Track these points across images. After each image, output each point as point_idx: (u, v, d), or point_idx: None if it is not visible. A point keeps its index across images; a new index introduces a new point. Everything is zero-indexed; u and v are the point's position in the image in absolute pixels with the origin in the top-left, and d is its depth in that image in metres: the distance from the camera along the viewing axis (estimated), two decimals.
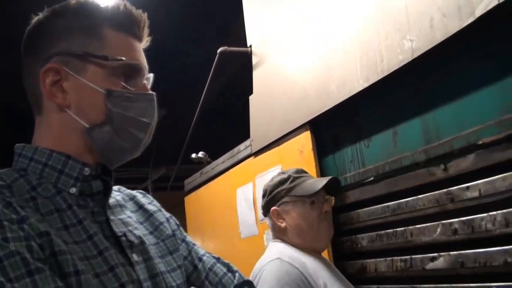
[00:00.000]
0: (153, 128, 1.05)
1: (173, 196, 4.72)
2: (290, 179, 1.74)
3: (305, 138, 2.42)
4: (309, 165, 2.36)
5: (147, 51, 1.08)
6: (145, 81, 1.04)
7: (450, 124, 1.74)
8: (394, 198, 1.96)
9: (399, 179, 1.94)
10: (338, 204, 2.28)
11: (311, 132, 2.40)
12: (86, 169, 0.97)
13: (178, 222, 1.21)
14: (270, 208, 1.76)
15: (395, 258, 1.95)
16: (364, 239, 2.13)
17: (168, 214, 1.21)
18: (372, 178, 2.07)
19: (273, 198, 1.76)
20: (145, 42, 1.07)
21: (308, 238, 1.76)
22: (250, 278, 1.55)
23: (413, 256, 1.86)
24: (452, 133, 1.73)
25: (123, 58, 0.98)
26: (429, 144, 1.80)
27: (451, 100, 1.74)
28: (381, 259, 2.03)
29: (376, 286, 2.07)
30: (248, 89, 3.09)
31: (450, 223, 1.70)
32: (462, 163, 1.68)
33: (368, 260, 2.11)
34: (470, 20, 1.58)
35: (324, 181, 1.75)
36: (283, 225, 1.71)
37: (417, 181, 1.85)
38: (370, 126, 2.13)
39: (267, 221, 1.77)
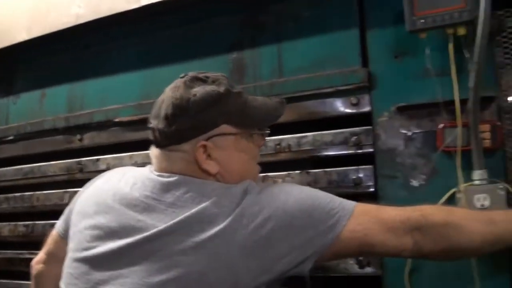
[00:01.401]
0: None
1: None
2: (232, 96, 0.90)
3: None
4: None
5: None
6: None
7: (94, 97, 1.68)
8: (30, 161, 1.79)
9: (38, 142, 1.77)
10: None
11: None
12: None
13: None
14: (190, 139, 0.88)
15: (19, 223, 1.77)
16: None
17: None
18: (12, 137, 1.84)
19: (199, 124, 0.88)
20: None
21: None
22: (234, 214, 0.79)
23: (36, 222, 1.71)
24: (94, 106, 1.66)
25: None
26: (71, 113, 1.70)
27: (98, 75, 1.68)
28: (4, 223, 1.81)
29: None
30: None
31: (76, 192, 1.63)
32: (97, 137, 1.63)
33: None
34: (135, 5, 1.54)
35: (276, 102, 0.99)
36: (214, 170, 0.89)
37: (54, 146, 1.73)
38: (21, 82, 1.90)
39: (170, 154, 0.89)
